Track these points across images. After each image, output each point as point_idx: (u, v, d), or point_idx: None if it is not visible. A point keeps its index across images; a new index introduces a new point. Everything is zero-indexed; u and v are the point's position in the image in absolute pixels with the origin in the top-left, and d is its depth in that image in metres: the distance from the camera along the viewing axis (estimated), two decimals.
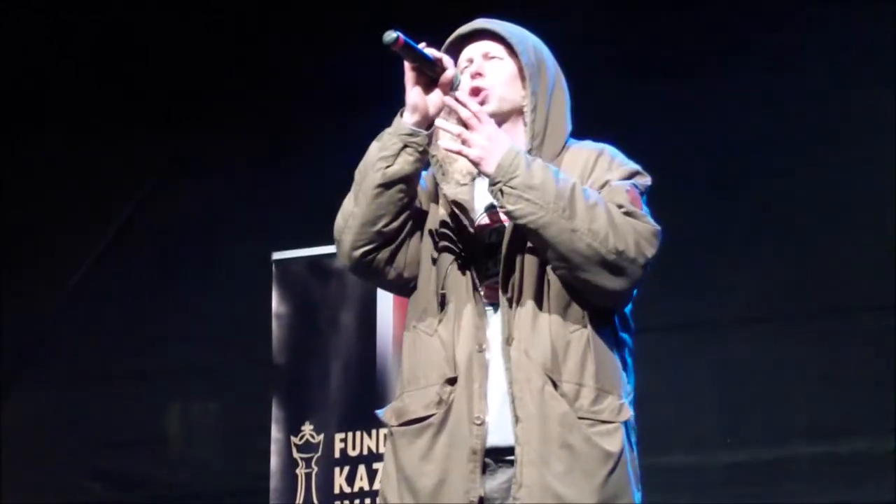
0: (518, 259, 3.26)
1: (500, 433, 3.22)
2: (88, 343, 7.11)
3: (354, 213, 3.31)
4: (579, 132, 3.50)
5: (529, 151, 3.31)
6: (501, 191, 3.17)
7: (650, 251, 3.22)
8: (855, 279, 5.90)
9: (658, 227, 3.26)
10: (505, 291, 3.25)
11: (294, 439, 6.28)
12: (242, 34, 7.00)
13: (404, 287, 3.42)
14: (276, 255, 6.45)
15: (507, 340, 3.23)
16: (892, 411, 5.70)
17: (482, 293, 3.28)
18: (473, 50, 3.42)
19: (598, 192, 3.23)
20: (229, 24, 7.01)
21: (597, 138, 3.49)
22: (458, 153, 3.24)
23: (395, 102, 3.34)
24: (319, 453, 6.22)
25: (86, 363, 7.12)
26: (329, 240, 3.41)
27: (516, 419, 3.19)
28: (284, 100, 6.93)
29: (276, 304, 6.42)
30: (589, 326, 3.24)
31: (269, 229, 6.76)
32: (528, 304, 3.24)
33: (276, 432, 6.31)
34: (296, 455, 6.25)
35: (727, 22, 6.20)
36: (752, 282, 6.03)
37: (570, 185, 3.17)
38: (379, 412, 3.41)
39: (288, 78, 6.95)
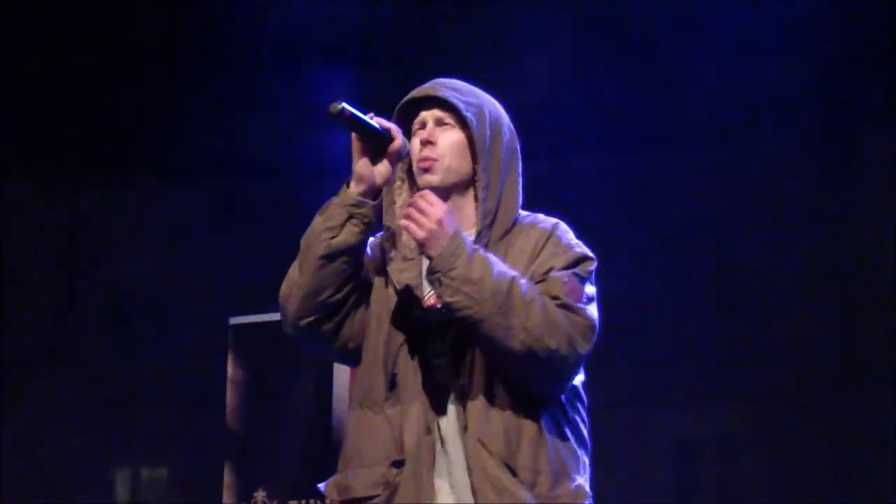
0: (468, 345, 3.23)
1: None
2: (36, 406, 7.06)
3: (299, 282, 3.26)
4: (531, 201, 3.46)
5: (479, 232, 3.28)
6: (440, 281, 3.14)
7: (584, 347, 3.19)
8: (810, 354, 5.92)
9: (594, 321, 3.24)
10: (457, 377, 3.22)
11: None
12: (201, 98, 6.99)
13: (351, 357, 3.36)
14: (233, 321, 6.42)
15: (464, 429, 3.19)
16: (844, 485, 5.73)
17: (432, 375, 3.24)
18: (426, 115, 3.35)
19: (535, 286, 3.20)
20: (186, 85, 7.00)
21: (548, 212, 3.45)
22: (406, 229, 3.22)
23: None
24: None
25: (32, 426, 7.08)
26: None
27: None
28: (241, 160, 6.93)
29: (231, 369, 6.38)
30: (539, 411, 3.21)
31: (226, 294, 6.73)
32: (480, 391, 3.20)
33: (227, 498, 6.26)
34: None
35: (678, 97, 6.23)
36: (709, 355, 6.03)
37: (507, 280, 3.14)
38: (320, 486, 3.36)
39: (244, 137, 6.95)
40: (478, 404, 3.19)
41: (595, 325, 3.23)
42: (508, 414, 3.19)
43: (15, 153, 7.25)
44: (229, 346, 6.41)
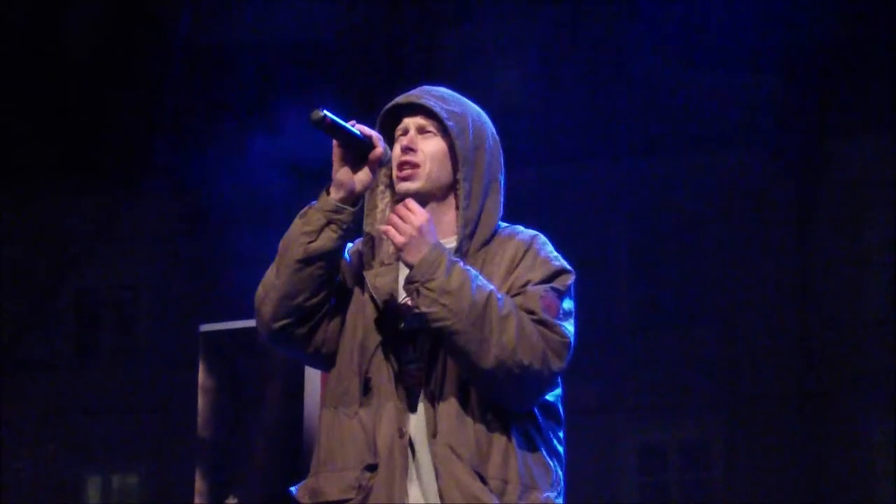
0: (441, 352, 3.25)
1: None
2: (8, 413, 7.04)
3: (275, 285, 3.28)
4: (510, 212, 3.48)
5: (460, 240, 3.30)
6: (418, 290, 3.17)
7: (557, 364, 3.21)
8: (770, 366, 5.96)
9: (569, 338, 3.25)
10: (428, 384, 3.24)
11: None
12: (171, 112, 7.00)
13: (323, 362, 3.39)
14: (204, 328, 6.42)
15: (433, 434, 3.21)
16: (807, 486, 5.77)
17: (404, 380, 3.27)
18: (409, 122, 3.37)
19: (512, 300, 3.22)
20: (163, 95, 7.01)
21: (528, 224, 3.45)
22: (385, 234, 3.24)
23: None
24: None
25: (5, 433, 7.05)
26: None
27: None
28: (213, 170, 6.94)
29: (202, 376, 6.38)
30: (511, 422, 3.24)
31: (196, 301, 6.73)
32: (452, 398, 3.23)
33: None
34: None
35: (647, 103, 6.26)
36: (673, 366, 6.06)
37: (485, 294, 3.16)
38: (292, 489, 3.37)
39: (216, 148, 6.95)
40: (449, 410, 3.22)
41: (570, 343, 3.25)
42: (480, 422, 3.21)
43: None
44: (200, 353, 6.41)
